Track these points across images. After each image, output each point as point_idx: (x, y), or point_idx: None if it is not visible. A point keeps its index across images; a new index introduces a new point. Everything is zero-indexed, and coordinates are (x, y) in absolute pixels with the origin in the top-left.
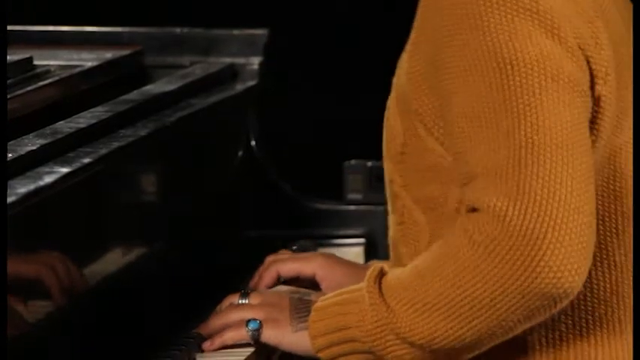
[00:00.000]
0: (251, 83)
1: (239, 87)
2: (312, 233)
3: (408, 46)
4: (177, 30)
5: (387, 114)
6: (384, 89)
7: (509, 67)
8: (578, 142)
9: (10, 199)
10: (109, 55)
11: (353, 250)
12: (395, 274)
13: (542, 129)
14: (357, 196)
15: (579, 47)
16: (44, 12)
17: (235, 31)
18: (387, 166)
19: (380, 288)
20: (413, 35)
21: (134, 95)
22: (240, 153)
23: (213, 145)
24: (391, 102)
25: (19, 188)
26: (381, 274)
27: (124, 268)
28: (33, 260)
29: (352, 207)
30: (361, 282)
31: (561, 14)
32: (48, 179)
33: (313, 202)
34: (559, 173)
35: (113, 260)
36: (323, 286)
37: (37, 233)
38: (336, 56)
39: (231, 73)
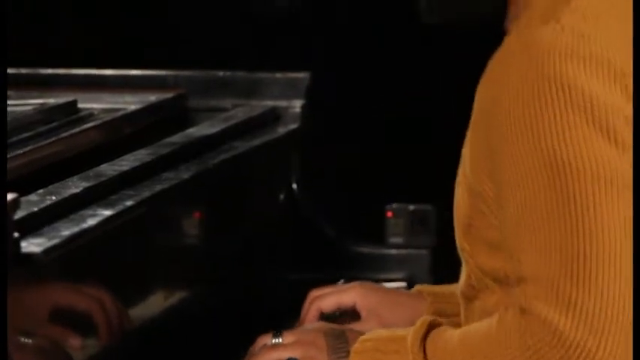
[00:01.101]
0: (293, 126)
1: (281, 130)
2: (354, 277)
3: (469, 131)
4: (220, 73)
5: (457, 181)
6: (426, 134)
7: (562, 172)
8: (628, 248)
9: (53, 242)
10: (152, 98)
11: None
12: (444, 337)
13: (596, 241)
14: (399, 240)
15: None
16: (89, 55)
17: (277, 74)
18: (457, 232)
19: (425, 349)
20: (472, 123)
21: (177, 138)
22: (282, 196)
23: (256, 188)
24: (460, 171)
25: (63, 231)
26: (429, 327)
27: (165, 310)
28: (76, 303)
29: (394, 251)
30: (399, 311)
31: (613, 107)
32: (91, 222)
33: (355, 246)
34: (611, 290)
35: (155, 303)
36: (363, 314)
37: (80, 276)
38: (379, 99)
39: (274, 116)
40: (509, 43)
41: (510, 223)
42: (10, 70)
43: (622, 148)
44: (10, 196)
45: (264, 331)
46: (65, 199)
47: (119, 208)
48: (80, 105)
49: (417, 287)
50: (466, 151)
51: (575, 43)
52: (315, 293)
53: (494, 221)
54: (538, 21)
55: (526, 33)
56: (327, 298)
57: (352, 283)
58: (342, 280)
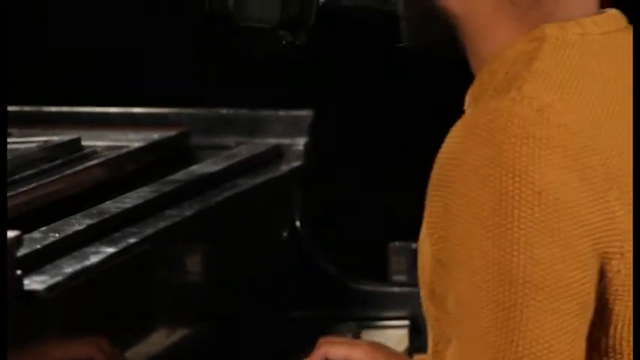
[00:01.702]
0: (296, 164)
1: (284, 168)
2: (357, 314)
3: (428, 191)
4: (223, 111)
5: (421, 238)
6: (429, 172)
7: (495, 272)
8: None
9: (56, 279)
10: (155, 135)
11: (397, 333)
12: None
13: (520, 341)
14: (402, 278)
15: (592, 245)
16: (92, 93)
17: (281, 112)
18: (422, 292)
19: None
20: (430, 187)
21: (180, 176)
22: (285, 233)
23: (259, 226)
24: (424, 229)
25: (66, 268)
26: None
27: (168, 347)
28: (79, 340)
29: (396, 289)
30: None
31: (571, 212)
32: (94, 259)
33: (358, 284)
34: None
35: (158, 340)
36: None
37: (83, 314)
38: (381, 138)
39: (277, 154)
40: (468, 116)
41: (449, 303)
42: (13, 108)
43: (570, 248)
44: (12, 234)
45: None
46: (68, 237)
47: (122, 245)
48: (84, 142)
49: (418, 357)
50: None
51: (533, 121)
52: (326, 339)
53: None
54: (498, 90)
55: (484, 106)
56: (338, 347)
57: (363, 341)
58: (352, 323)
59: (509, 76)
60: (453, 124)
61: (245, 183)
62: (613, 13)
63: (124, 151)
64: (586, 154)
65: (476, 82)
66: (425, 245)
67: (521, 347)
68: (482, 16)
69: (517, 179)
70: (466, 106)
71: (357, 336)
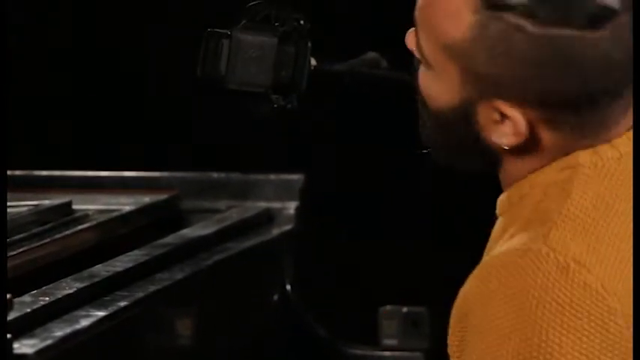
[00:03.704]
0: (287, 228)
1: (275, 231)
2: None
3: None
4: (214, 174)
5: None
6: (421, 236)
7: None
8: None
9: (46, 343)
10: (146, 199)
11: None
12: None
13: None
14: (393, 342)
15: None
16: (84, 157)
17: (271, 176)
18: None
19: None
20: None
21: (171, 239)
22: (275, 297)
23: (249, 289)
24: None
25: (56, 331)
26: None
27: None
28: None
29: (387, 353)
30: None
31: None
32: (84, 323)
33: (348, 348)
34: None
35: None
36: None
37: None
38: (372, 202)
39: (267, 218)
40: (496, 257)
41: None
42: None
43: None
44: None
45: None
46: (58, 300)
47: (112, 309)
48: (75, 206)
49: None
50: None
51: (556, 281)
52: None
53: None
54: (528, 224)
55: (511, 249)
56: None
57: None
58: None
59: (541, 210)
60: (447, 189)
61: (236, 246)
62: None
63: (115, 214)
64: (612, 317)
65: (505, 197)
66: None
67: None
68: (523, 143)
69: (535, 344)
70: (499, 212)
71: None
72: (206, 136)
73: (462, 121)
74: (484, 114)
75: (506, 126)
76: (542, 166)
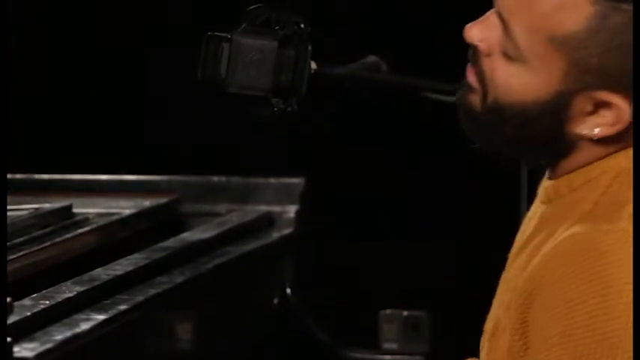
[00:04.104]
0: (287, 231)
1: (275, 235)
2: None
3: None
4: (215, 178)
5: (492, 327)
6: (421, 239)
7: None
8: None
9: (47, 346)
10: (146, 203)
11: None
12: None
13: None
14: (393, 346)
15: None
16: (84, 161)
17: (272, 180)
18: None
19: None
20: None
21: (171, 243)
22: (275, 300)
23: (249, 293)
24: (503, 317)
25: (56, 335)
26: None
27: None
28: None
29: (388, 357)
30: None
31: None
32: (84, 326)
33: (348, 351)
34: None
35: None
36: None
37: None
38: (372, 205)
39: (268, 221)
40: (566, 245)
41: None
42: None
43: None
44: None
45: None
46: (59, 304)
47: (112, 312)
48: (75, 210)
49: None
50: (500, 311)
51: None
52: None
53: None
54: (599, 216)
55: (589, 234)
56: None
57: None
58: None
59: (612, 194)
60: (448, 193)
61: (236, 250)
62: None
63: (115, 218)
64: None
65: (551, 185)
66: (503, 330)
67: None
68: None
69: (622, 325)
70: (544, 200)
71: None
72: (206, 140)
73: (547, 114)
74: (579, 106)
75: (600, 117)
76: (610, 153)
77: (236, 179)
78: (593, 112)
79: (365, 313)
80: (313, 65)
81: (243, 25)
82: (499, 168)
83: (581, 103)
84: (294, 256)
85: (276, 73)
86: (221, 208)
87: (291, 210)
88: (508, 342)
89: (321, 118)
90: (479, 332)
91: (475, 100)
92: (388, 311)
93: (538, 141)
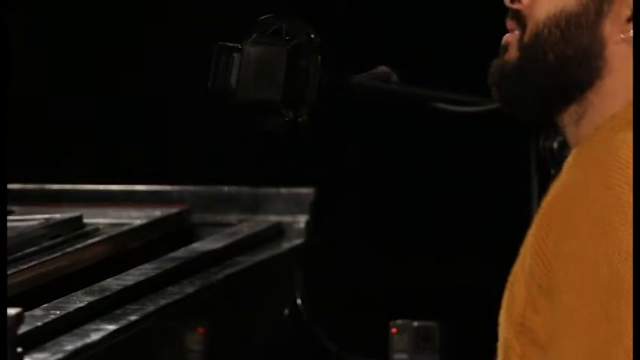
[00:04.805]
0: (297, 241)
1: (285, 245)
2: None
3: (534, 224)
4: (225, 188)
5: (511, 279)
6: (431, 250)
7: (607, 287)
8: None
9: (57, 357)
10: (157, 213)
11: None
12: None
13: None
14: (403, 357)
15: None
16: (95, 171)
17: (282, 190)
18: (507, 330)
19: None
20: (540, 216)
21: (181, 253)
22: (286, 311)
23: (260, 303)
24: (518, 268)
25: (67, 345)
26: None
27: None
28: None
29: None
30: None
31: None
32: (95, 336)
33: None
34: None
35: None
36: None
37: None
38: (383, 215)
39: (278, 232)
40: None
41: (553, 323)
42: (16, 186)
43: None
44: (14, 311)
45: None
46: (69, 314)
47: (123, 322)
48: (86, 220)
49: None
50: (526, 249)
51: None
52: None
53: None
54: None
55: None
56: None
57: None
58: None
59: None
60: (456, 201)
61: (246, 260)
62: None
63: (125, 228)
64: None
65: (585, 144)
66: (518, 279)
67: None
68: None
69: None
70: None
71: None
72: (217, 150)
73: (589, 19)
74: (618, 11)
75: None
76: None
77: (246, 189)
78: (630, 20)
79: (375, 323)
80: (323, 75)
81: (254, 36)
82: (510, 178)
83: (620, 8)
84: (305, 267)
85: (287, 83)
86: (232, 218)
87: (302, 220)
88: (529, 266)
89: (332, 128)
90: (491, 343)
91: (512, 51)
92: (398, 322)
93: (576, 61)
